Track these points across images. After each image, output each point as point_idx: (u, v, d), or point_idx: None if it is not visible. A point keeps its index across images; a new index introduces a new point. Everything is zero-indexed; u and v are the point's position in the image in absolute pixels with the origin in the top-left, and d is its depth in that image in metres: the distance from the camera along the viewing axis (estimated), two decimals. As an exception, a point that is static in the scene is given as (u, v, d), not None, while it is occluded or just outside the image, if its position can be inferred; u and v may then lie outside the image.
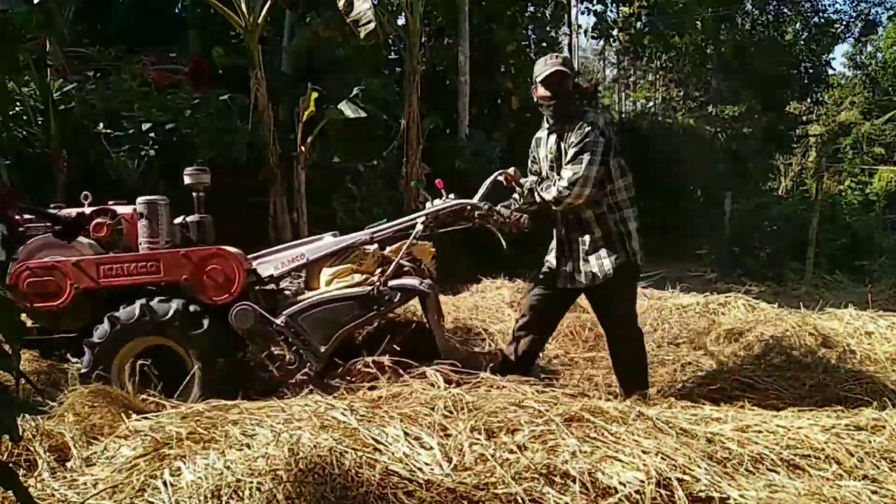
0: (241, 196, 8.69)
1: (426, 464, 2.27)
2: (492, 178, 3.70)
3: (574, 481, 2.16)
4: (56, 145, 7.67)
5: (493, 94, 13.48)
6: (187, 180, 3.99)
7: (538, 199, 3.47)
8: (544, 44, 15.82)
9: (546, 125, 3.57)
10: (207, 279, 3.47)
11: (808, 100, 20.17)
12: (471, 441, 2.49)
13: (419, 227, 3.60)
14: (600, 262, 3.41)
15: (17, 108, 7.60)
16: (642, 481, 2.19)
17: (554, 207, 3.44)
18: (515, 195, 3.68)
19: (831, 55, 23.50)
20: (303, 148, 8.22)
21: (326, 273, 3.69)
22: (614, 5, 17.73)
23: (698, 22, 17.99)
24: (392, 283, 3.53)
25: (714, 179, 16.24)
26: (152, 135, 8.02)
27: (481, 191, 3.68)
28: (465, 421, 2.59)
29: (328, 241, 3.81)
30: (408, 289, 3.55)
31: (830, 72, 21.02)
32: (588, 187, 3.28)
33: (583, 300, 4.01)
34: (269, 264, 3.75)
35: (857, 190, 20.38)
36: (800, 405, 3.51)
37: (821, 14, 19.61)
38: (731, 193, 13.52)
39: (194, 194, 4.01)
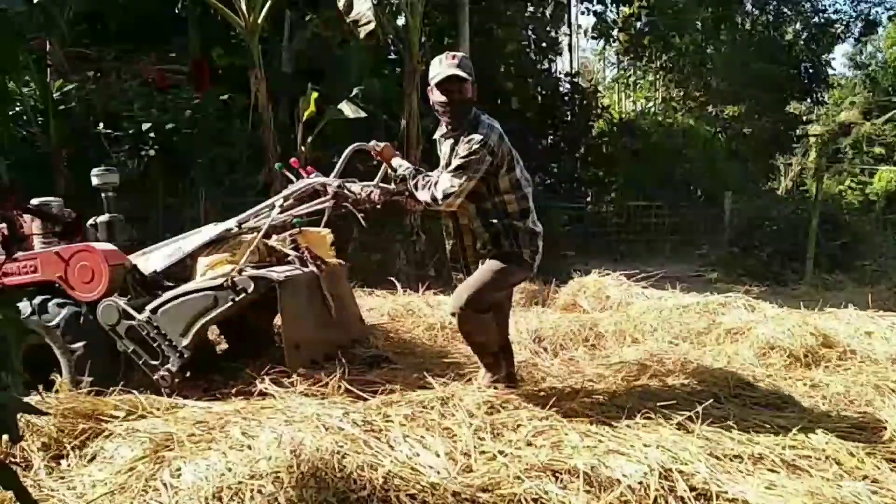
0: (242, 196, 8.71)
1: (430, 466, 2.27)
2: (348, 151, 3.57)
3: (578, 476, 2.16)
4: (56, 145, 7.68)
5: (493, 94, 13.47)
6: (95, 181, 3.99)
7: (411, 190, 3.31)
8: (544, 44, 15.83)
9: (442, 129, 3.39)
10: (76, 277, 3.47)
11: (808, 100, 20.15)
12: (475, 441, 2.49)
13: (276, 209, 3.57)
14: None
15: (17, 108, 7.60)
16: (645, 473, 2.19)
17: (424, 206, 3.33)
18: (381, 173, 3.59)
19: (831, 55, 23.47)
20: (303, 148, 8.22)
21: (202, 264, 3.63)
22: (614, 5, 17.72)
23: (698, 22, 17.98)
24: (249, 273, 3.43)
25: (714, 179, 16.24)
26: (152, 135, 8.02)
27: (338, 167, 3.60)
28: (466, 421, 2.59)
29: (204, 232, 3.77)
30: (261, 279, 3.42)
31: (830, 72, 21.01)
32: (461, 198, 3.16)
33: (584, 301, 4.00)
34: (158, 259, 3.71)
35: (857, 190, 20.40)
36: (800, 405, 3.52)
37: (821, 14, 19.59)
38: (731, 193, 13.52)
39: (103, 195, 4.00)
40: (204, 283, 3.46)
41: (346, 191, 3.48)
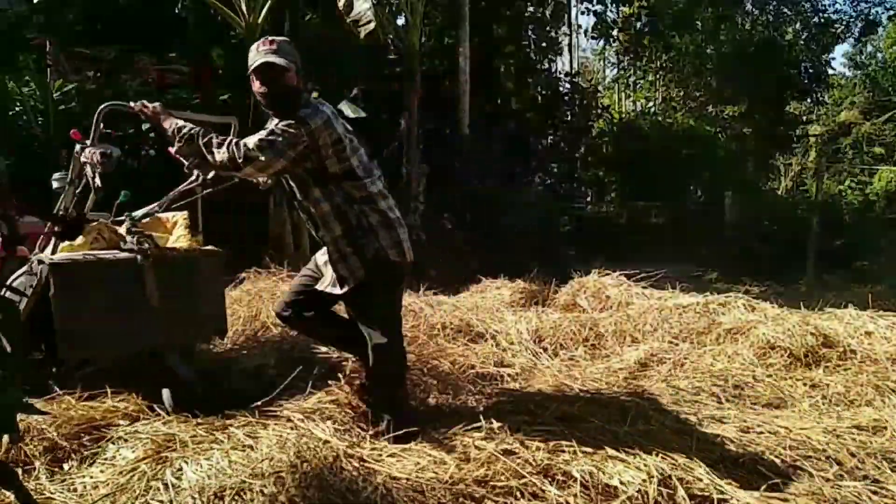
0: (240, 195, 8.69)
1: (427, 464, 2.27)
2: (99, 111, 3.17)
3: (576, 481, 2.16)
4: (56, 145, 7.69)
5: (494, 94, 13.47)
6: (55, 185, 3.88)
7: (201, 149, 2.88)
8: (544, 44, 15.82)
9: (271, 122, 2.99)
10: None
11: (808, 100, 20.13)
12: (472, 440, 2.50)
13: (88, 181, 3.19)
14: (347, 264, 2.96)
15: (17, 108, 7.61)
16: (644, 480, 2.19)
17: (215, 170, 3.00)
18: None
19: (831, 55, 23.48)
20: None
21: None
22: (614, 5, 17.72)
23: (698, 22, 17.97)
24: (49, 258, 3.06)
25: (714, 179, 16.23)
26: (152, 135, 8.02)
27: (92, 132, 3.17)
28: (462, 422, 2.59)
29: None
30: (53, 264, 3.02)
31: (830, 72, 20.99)
32: (264, 172, 2.91)
33: (584, 301, 4.00)
34: None
35: (857, 190, 20.39)
36: (800, 405, 3.52)
37: (821, 14, 19.56)
38: (731, 193, 13.52)
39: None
40: (18, 273, 3.14)
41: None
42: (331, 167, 2.88)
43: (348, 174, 2.92)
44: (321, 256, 3.17)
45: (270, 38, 2.97)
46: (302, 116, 2.80)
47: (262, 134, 2.82)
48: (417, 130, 9.25)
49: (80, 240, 3.32)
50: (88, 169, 3.16)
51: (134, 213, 3.44)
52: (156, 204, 3.51)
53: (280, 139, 2.78)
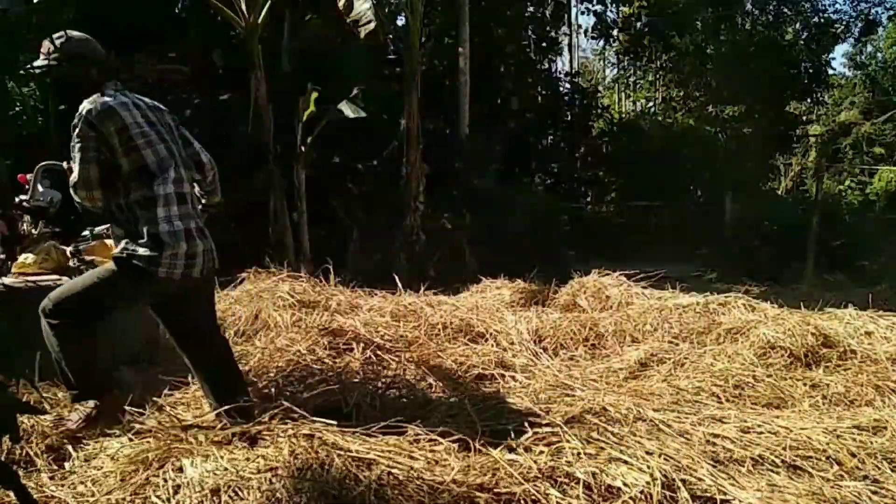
0: (241, 196, 8.71)
1: (426, 467, 2.27)
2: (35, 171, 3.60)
3: (578, 483, 2.16)
4: (58, 145, 7.68)
5: (494, 94, 13.47)
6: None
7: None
8: (544, 44, 15.84)
9: None
10: None
11: (808, 100, 20.14)
12: (474, 444, 2.49)
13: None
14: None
15: (17, 108, 7.60)
16: (648, 482, 2.19)
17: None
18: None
19: (831, 55, 23.47)
20: (303, 148, 8.22)
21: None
22: (614, 6, 17.73)
23: (698, 22, 17.97)
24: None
25: (714, 179, 16.23)
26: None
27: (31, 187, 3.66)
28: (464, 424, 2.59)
29: None
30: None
31: (830, 72, 21.00)
32: (92, 189, 2.71)
33: (584, 301, 3.99)
34: None
35: (858, 190, 20.41)
36: (801, 405, 3.52)
37: (821, 14, 19.57)
38: (731, 193, 13.52)
39: None
40: None
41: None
42: (122, 161, 2.68)
43: (140, 170, 2.70)
44: None
45: (60, 33, 2.82)
46: (82, 109, 2.68)
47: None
48: (417, 130, 9.25)
49: (31, 258, 3.61)
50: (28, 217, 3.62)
51: (85, 233, 3.83)
52: (105, 226, 3.70)
53: (76, 145, 2.69)
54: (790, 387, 3.73)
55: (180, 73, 9.39)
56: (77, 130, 2.67)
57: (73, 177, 2.72)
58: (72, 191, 2.76)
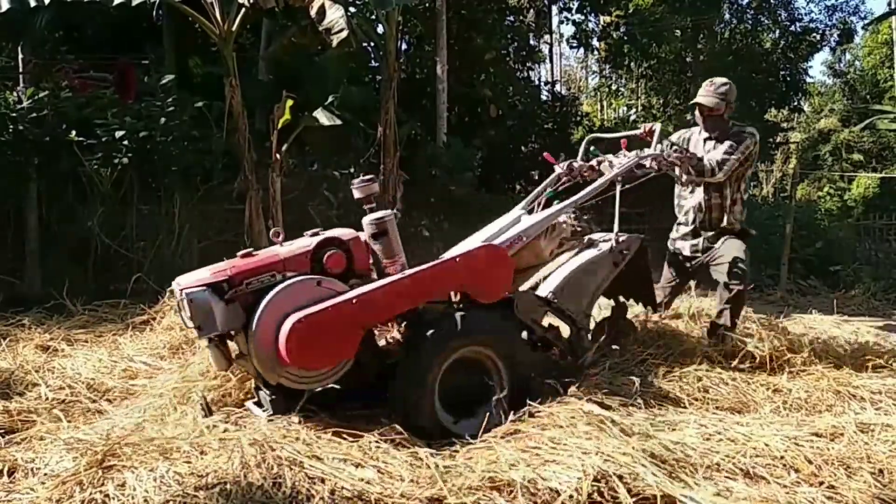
0: (217, 204, 8.67)
1: (373, 481, 2.25)
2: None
3: (518, 489, 2.15)
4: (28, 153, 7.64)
5: (473, 102, 13.51)
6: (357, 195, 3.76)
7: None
8: (524, 52, 15.90)
9: None
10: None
11: (787, 107, 20.32)
12: (424, 451, 2.48)
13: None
14: None
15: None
16: (579, 478, 2.17)
17: None
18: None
19: (809, 63, 23.74)
20: (278, 155, 8.18)
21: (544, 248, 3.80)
22: (593, 15, 17.84)
23: (677, 31, 18.12)
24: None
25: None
26: (126, 143, 7.96)
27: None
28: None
29: (531, 219, 3.80)
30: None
31: (809, 80, 21.22)
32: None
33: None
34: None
35: (836, 196, 20.60)
36: (762, 410, 3.52)
37: (797, 23, 19.76)
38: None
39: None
40: (592, 254, 3.73)
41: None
42: None
43: None
44: None
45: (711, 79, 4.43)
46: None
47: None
48: (395, 138, 9.24)
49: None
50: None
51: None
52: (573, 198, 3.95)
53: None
54: (753, 391, 3.74)
55: (104, 81, 9.38)
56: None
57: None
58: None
